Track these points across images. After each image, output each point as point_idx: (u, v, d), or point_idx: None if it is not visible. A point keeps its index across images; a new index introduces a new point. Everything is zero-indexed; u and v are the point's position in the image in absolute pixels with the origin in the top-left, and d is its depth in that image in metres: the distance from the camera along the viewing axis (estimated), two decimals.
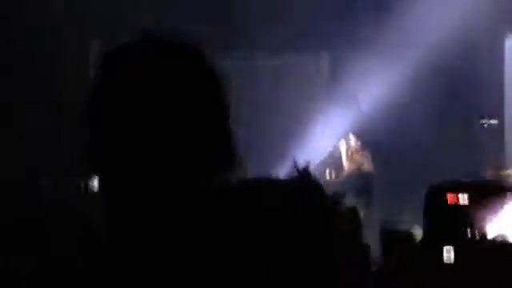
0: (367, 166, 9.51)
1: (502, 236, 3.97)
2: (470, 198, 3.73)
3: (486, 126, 9.29)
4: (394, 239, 5.77)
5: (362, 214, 8.21)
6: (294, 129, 10.85)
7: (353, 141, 9.75)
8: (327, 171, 9.77)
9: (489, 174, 8.96)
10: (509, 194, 3.74)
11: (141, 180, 1.35)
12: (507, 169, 9.08)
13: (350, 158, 9.80)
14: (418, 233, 5.80)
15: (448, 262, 3.69)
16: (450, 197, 3.72)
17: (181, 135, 1.36)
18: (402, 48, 9.79)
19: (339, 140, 10.02)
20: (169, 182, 1.35)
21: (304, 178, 1.77)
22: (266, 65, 11.21)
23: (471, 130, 9.33)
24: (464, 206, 3.75)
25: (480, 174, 8.95)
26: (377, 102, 9.92)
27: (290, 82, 11.23)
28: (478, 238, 3.71)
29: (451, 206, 3.74)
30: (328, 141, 10.05)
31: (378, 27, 9.71)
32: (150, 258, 1.33)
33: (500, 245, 3.75)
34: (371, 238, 7.40)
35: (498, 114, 9.59)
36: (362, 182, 9.39)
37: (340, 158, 9.97)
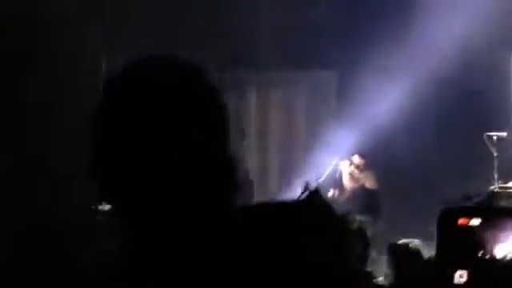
0: (370, 184, 9.54)
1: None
2: (481, 222, 3.83)
3: (495, 138, 9.30)
4: (403, 254, 5.86)
5: (369, 232, 8.30)
6: (300, 150, 10.91)
7: (356, 160, 9.78)
8: (331, 190, 9.79)
9: (499, 186, 8.99)
10: None
11: (150, 212, 1.36)
12: None
13: (352, 177, 9.85)
14: (421, 246, 5.90)
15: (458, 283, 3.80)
16: (461, 220, 3.83)
17: (186, 161, 1.35)
18: (408, 63, 9.82)
19: (342, 159, 10.04)
20: (178, 210, 1.35)
21: (315, 199, 1.80)
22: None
23: (481, 143, 9.35)
24: (475, 228, 3.85)
25: (490, 185, 8.98)
26: (383, 120, 9.97)
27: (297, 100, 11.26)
28: (489, 259, 3.81)
29: (462, 228, 3.84)
30: (332, 160, 10.07)
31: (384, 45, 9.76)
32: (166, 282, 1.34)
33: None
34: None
35: (507, 126, 9.62)
36: (366, 200, 9.42)
37: (340, 176, 9.99)
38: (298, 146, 11.29)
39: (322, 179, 9.60)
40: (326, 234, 1.38)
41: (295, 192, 9.29)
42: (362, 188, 9.40)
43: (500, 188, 9.05)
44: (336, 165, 9.77)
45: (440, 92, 9.82)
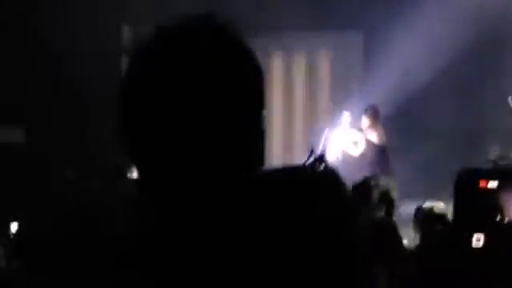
0: (378, 139, 9.41)
1: None
2: (498, 185, 3.80)
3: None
4: (428, 217, 5.86)
5: (394, 194, 8.27)
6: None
7: (365, 112, 9.63)
8: (336, 156, 9.70)
9: None
10: None
11: (181, 175, 1.31)
12: None
13: (360, 131, 9.70)
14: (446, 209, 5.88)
15: (476, 246, 3.77)
16: (478, 183, 3.79)
17: (221, 125, 1.31)
18: (433, 24, 9.75)
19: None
20: (206, 175, 1.31)
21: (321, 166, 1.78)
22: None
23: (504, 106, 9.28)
24: (492, 191, 3.82)
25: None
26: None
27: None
28: (506, 222, 3.79)
29: (479, 190, 3.81)
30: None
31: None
32: (186, 252, 1.32)
33: None
34: None
35: None
36: (376, 156, 9.32)
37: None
38: (322, 109, 11.26)
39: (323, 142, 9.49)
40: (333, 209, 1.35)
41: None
42: (369, 143, 9.31)
43: None
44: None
45: (464, 54, 9.75)
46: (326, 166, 7.84)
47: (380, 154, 9.35)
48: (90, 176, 8.74)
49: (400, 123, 9.64)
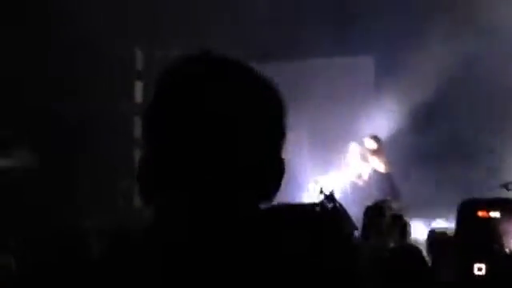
0: (382, 167, 9.45)
1: None
2: (501, 215, 3.86)
3: None
4: (440, 241, 5.94)
5: (407, 218, 8.28)
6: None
7: (368, 142, 9.70)
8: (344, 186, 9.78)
9: None
10: None
11: (190, 201, 1.32)
12: None
13: (363, 160, 9.77)
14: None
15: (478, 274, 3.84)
16: (480, 213, 3.86)
17: (238, 158, 1.31)
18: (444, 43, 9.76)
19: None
20: (214, 207, 1.31)
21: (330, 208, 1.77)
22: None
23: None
24: (494, 221, 3.88)
25: None
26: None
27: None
28: (508, 252, 3.84)
29: (482, 220, 3.88)
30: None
31: None
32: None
33: None
34: None
35: None
36: (379, 184, 9.36)
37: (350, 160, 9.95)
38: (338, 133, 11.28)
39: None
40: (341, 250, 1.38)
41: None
42: (374, 171, 9.34)
43: None
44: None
45: (476, 74, 9.75)
46: (335, 205, 7.81)
47: (385, 181, 9.37)
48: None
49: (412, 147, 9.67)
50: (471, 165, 9.50)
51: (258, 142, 1.33)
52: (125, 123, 9.68)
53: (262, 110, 1.34)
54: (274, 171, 1.36)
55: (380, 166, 9.33)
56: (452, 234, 5.58)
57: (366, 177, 9.57)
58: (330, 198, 7.39)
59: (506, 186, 8.33)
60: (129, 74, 10.30)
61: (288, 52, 10.75)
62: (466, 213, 4.03)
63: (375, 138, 9.63)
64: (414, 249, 5.98)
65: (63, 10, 8.69)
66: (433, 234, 7.03)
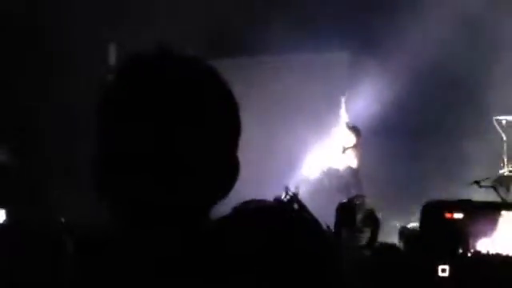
0: (354, 162, 9.43)
1: None
2: (464, 216, 3.88)
3: (504, 122, 9.27)
4: (412, 239, 5.98)
5: (379, 215, 8.31)
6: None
7: (345, 133, 9.64)
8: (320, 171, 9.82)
9: (508, 170, 9.00)
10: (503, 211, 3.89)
11: (143, 208, 1.28)
12: None
13: (340, 152, 9.74)
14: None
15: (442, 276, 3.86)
16: (444, 214, 3.88)
17: (193, 158, 1.28)
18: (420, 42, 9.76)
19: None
20: (169, 213, 1.28)
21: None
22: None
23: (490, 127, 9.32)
24: (458, 222, 3.90)
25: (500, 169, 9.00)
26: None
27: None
28: (471, 254, 3.87)
29: (445, 222, 3.89)
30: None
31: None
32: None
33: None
34: None
35: None
36: (350, 179, 9.33)
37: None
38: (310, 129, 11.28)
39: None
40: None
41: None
42: (348, 167, 9.31)
43: (510, 172, 9.04)
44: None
45: (448, 74, 9.78)
46: (300, 205, 7.82)
47: (354, 176, 9.36)
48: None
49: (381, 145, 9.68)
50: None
51: (211, 140, 1.30)
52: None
53: (216, 107, 1.32)
54: (229, 169, 1.34)
55: (353, 161, 9.31)
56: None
57: (342, 167, 9.51)
58: (295, 199, 7.38)
59: (477, 183, 8.37)
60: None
61: (264, 48, 10.74)
62: (429, 214, 4.04)
63: (355, 130, 9.56)
64: (394, 247, 6.02)
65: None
66: (404, 231, 7.07)
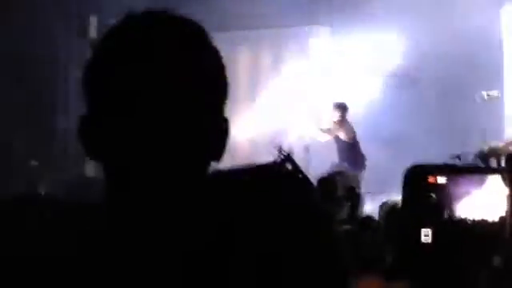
0: (345, 135, 9.49)
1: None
2: (447, 181, 3.79)
3: (486, 98, 9.31)
4: (391, 214, 5.92)
5: (359, 190, 8.27)
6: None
7: (332, 110, 9.75)
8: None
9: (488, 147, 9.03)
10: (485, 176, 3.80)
11: (140, 168, 1.28)
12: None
13: (327, 128, 9.81)
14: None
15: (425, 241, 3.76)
16: (426, 179, 3.78)
17: (185, 117, 1.28)
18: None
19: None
20: (166, 170, 1.28)
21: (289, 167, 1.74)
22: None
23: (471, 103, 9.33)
24: (441, 187, 3.81)
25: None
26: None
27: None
28: (453, 219, 3.78)
29: (427, 186, 3.80)
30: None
31: None
32: (146, 242, 1.31)
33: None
34: None
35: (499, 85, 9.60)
36: (343, 152, 9.41)
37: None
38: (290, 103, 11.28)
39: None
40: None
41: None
42: (337, 139, 9.40)
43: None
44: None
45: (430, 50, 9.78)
46: (294, 165, 7.84)
47: (348, 150, 9.43)
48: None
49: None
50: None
51: (200, 102, 1.29)
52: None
53: (204, 70, 1.30)
54: (220, 131, 1.34)
55: (343, 135, 9.39)
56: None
57: (323, 140, 9.62)
58: (288, 158, 7.40)
59: (458, 157, 8.43)
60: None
61: (243, 23, 10.71)
62: (412, 179, 3.95)
63: (340, 107, 9.68)
64: (370, 216, 5.98)
65: None
66: (384, 205, 7.00)
